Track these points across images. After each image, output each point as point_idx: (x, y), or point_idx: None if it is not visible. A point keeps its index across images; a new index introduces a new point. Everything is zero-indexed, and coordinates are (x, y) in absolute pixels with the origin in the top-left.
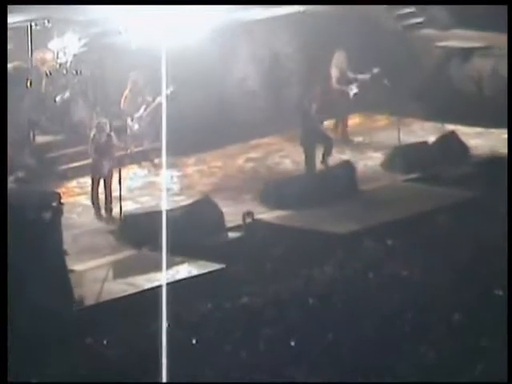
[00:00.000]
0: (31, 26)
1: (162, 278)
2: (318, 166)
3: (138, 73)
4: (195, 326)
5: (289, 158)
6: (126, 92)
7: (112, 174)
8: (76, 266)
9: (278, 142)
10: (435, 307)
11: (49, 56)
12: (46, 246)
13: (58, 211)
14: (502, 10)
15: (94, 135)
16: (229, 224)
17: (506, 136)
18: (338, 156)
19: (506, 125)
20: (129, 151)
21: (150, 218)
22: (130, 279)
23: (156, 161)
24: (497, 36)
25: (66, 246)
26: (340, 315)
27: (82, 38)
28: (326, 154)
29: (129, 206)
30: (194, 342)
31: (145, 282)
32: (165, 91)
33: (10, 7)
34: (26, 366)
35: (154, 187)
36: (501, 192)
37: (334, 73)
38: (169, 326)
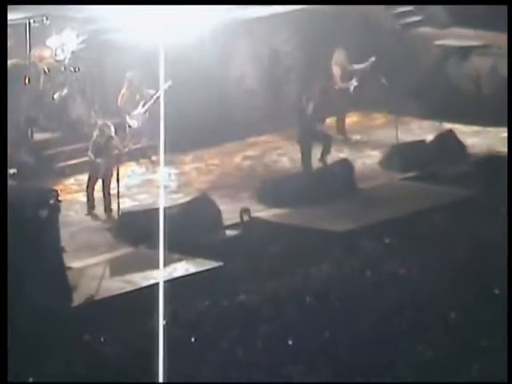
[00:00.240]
0: (29, 23)
1: (160, 275)
2: (316, 163)
3: (136, 70)
4: (193, 324)
5: (286, 155)
6: (124, 90)
7: (111, 173)
8: (73, 263)
9: (275, 139)
10: (433, 306)
11: (47, 53)
12: (43, 243)
13: (56, 208)
14: (501, 8)
15: (97, 137)
16: (226, 222)
17: (503, 135)
18: (335, 154)
19: (503, 123)
20: (127, 149)
21: (147, 216)
22: (128, 277)
23: (153, 158)
24: (495, 35)
25: (63, 244)
26: (337, 313)
27: (80, 35)
28: (325, 152)
29: (126, 204)
30: (192, 340)
31: (142, 279)
32: (163, 89)
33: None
34: (25, 365)
35: (151, 185)
36: (498, 191)
37: (336, 71)
38: (166, 323)
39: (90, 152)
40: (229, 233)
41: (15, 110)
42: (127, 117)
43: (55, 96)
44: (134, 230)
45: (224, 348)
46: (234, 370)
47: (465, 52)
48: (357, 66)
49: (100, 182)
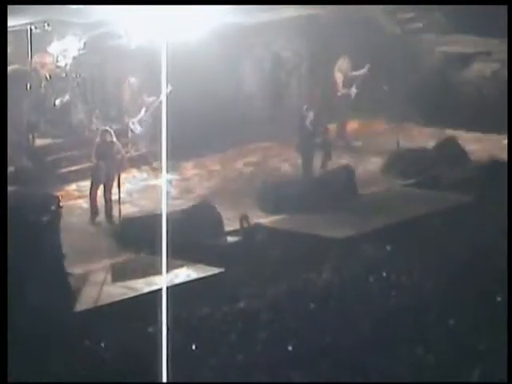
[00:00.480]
0: (31, 30)
1: (162, 281)
2: (317, 170)
3: (137, 76)
4: (194, 330)
5: (287, 162)
6: (126, 95)
7: (113, 179)
8: (75, 269)
9: (276, 146)
10: (433, 311)
11: (48, 59)
12: (44, 249)
13: (57, 214)
14: (502, 14)
15: (98, 143)
16: (227, 228)
17: (504, 142)
18: (337, 160)
19: (504, 130)
20: (128, 155)
21: (149, 222)
22: (129, 282)
23: (155, 164)
24: (497, 41)
25: (64, 250)
26: (337, 319)
27: (81, 41)
28: (326, 158)
29: (128, 210)
30: (193, 347)
31: (144, 285)
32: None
33: (10, 10)
34: (26, 372)
35: (153, 191)
36: (499, 197)
37: (339, 77)
38: (168, 329)
39: (93, 158)
40: (230, 239)
41: (17, 116)
42: (129, 122)
43: (57, 102)
44: (136, 236)
45: (225, 353)
46: (235, 375)
47: (466, 58)
48: (355, 73)
49: (102, 188)
